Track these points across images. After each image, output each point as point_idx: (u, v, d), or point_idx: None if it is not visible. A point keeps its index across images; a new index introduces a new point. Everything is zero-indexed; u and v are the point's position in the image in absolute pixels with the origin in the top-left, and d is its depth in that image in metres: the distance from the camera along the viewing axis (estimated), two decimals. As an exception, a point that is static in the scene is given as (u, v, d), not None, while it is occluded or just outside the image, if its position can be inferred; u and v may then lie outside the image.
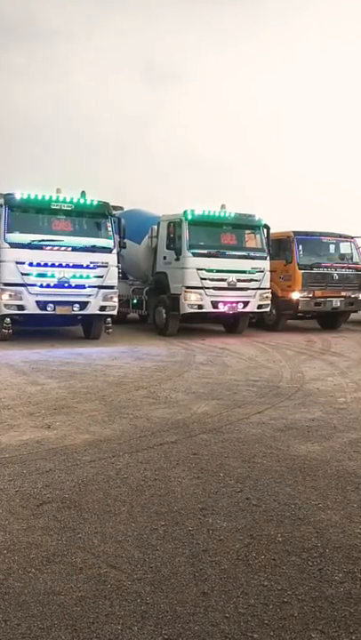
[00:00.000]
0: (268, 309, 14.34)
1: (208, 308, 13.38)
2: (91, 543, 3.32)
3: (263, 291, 13.98)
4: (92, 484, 4.21)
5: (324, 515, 3.75)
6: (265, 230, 14.33)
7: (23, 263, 11.27)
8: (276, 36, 35.46)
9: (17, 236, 11.32)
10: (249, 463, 4.74)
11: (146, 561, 3.12)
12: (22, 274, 11.28)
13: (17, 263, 11.23)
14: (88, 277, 11.87)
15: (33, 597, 2.76)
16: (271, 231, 14.47)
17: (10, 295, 11.21)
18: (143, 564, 3.10)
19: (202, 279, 13.23)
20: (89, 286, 11.86)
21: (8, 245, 11.22)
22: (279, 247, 15.14)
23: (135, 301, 15.49)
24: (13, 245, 11.24)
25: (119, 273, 12.70)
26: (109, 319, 12.46)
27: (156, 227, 14.50)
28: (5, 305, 11.22)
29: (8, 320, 11.49)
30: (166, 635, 2.50)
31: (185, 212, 13.37)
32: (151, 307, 14.62)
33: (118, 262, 12.43)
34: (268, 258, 14.21)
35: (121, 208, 16.00)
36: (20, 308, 11.35)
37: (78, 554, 3.19)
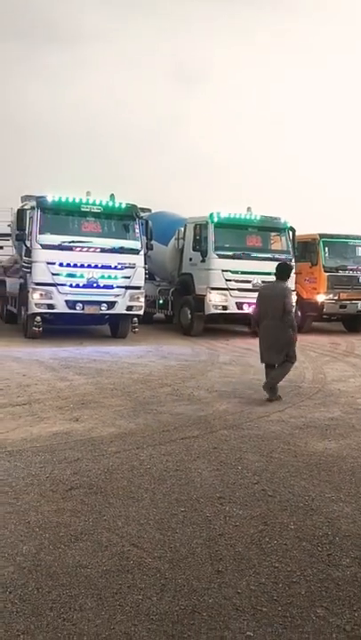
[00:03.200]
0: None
1: (233, 310, 13.58)
2: (115, 525, 3.57)
3: (288, 293, 14.07)
4: (117, 473, 4.48)
5: (336, 506, 3.94)
6: (290, 233, 14.45)
7: (54, 263, 11.65)
8: (305, 40, 35.32)
9: (48, 238, 11.71)
10: (267, 458, 4.94)
11: (166, 542, 3.37)
12: (53, 274, 11.66)
13: (48, 263, 11.62)
14: (116, 278, 12.19)
15: (62, 570, 3.03)
16: (297, 233, 14.58)
17: (40, 294, 11.60)
18: (163, 544, 3.34)
19: (227, 280, 13.44)
20: (117, 287, 12.18)
21: (40, 246, 11.62)
22: (305, 249, 15.24)
23: (161, 302, 15.77)
24: (45, 246, 11.63)
25: (146, 274, 12.99)
26: (136, 319, 12.76)
27: (182, 229, 14.76)
28: (36, 304, 11.62)
29: (38, 319, 11.88)
30: (183, 605, 2.74)
31: (211, 215, 13.60)
32: (177, 307, 14.88)
33: (145, 263, 12.72)
34: (293, 260, 14.31)
35: (149, 210, 16.32)
36: (50, 307, 11.73)
37: (104, 534, 3.45)
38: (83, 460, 4.75)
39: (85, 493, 4.06)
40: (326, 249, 15.24)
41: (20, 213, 12.12)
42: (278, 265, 7.79)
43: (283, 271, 7.54)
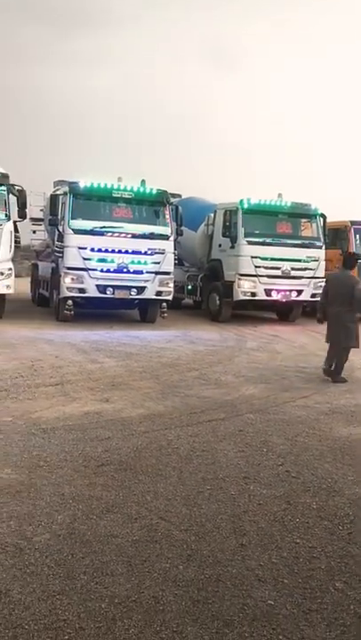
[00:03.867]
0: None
1: (261, 296, 13.61)
2: (144, 499, 3.75)
3: (318, 280, 14.03)
4: (146, 452, 4.66)
5: (358, 489, 4.05)
6: (321, 219, 14.35)
7: (85, 248, 11.87)
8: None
9: (80, 223, 11.92)
10: (291, 441, 5.06)
11: (192, 516, 3.53)
12: (84, 259, 11.90)
13: (79, 248, 11.85)
14: (146, 263, 12.35)
15: (95, 538, 3.22)
16: (328, 220, 14.47)
17: (72, 279, 11.85)
18: (190, 518, 3.51)
19: (256, 267, 13.46)
20: (146, 272, 12.35)
21: (72, 231, 11.85)
22: (335, 236, 15.12)
23: (190, 287, 15.89)
24: (76, 231, 11.86)
25: (175, 259, 13.11)
26: (165, 304, 12.93)
27: (212, 215, 14.80)
28: (68, 288, 11.88)
29: (70, 302, 12.16)
30: (208, 574, 2.90)
31: (241, 201, 13.60)
32: (205, 293, 14.98)
33: (175, 249, 12.83)
34: (323, 247, 14.24)
35: (179, 196, 16.39)
36: (82, 291, 11.99)
37: (133, 507, 3.63)
38: (113, 439, 4.94)
39: (116, 470, 4.25)
40: (357, 236, 15.08)
41: (53, 199, 12.36)
42: (344, 255, 8.66)
43: (349, 260, 8.08)
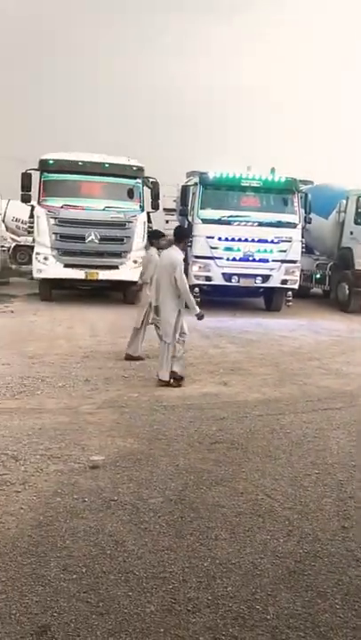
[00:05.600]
0: None
1: (393, 286, 12.97)
2: (252, 477, 3.96)
3: None
4: (258, 434, 4.84)
5: None
6: None
7: (213, 237, 12.18)
8: None
9: (208, 213, 12.25)
10: None
11: (297, 496, 3.67)
12: (211, 247, 12.21)
13: (207, 237, 12.18)
14: (271, 252, 12.36)
15: (203, 506, 3.50)
16: None
17: (199, 267, 12.25)
18: (294, 498, 3.64)
19: (391, 255, 12.84)
20: (272, 260, 12.36)
21: (200, 221, 12.22)
22: None
23: (318, 276, 15.53)
24: (205, 221, 12.20)
25: (303, 247, 12.96)
26: (290, 292, 12.85)
27: (344, 201, 14.33)
28: (195, 276, 12.29)
29: (197, 290, 12.55)
30: (306, 549, 3.04)
31: (376, 186, 13.03)
32: (334, 282, 14.58)
33: (302, 237, 12.68)
34: None
35: (311, 182, 16.06)
36: (208, 279, 12.34)
37: (241, 482, 3.85)
38: (227, 420, 5.19)
39: (228, 448, 4.49)
40: None
41: (184, 190, 12.82)
42: None
43: None
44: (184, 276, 6.39)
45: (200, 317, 6.55)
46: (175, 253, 6.49)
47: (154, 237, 8.05)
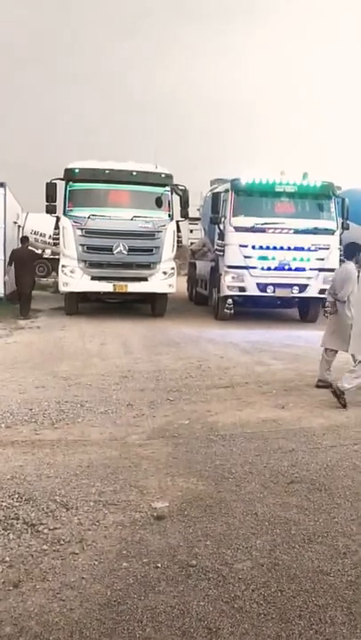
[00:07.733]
0: None
1: None
2: (349, 529, 3.30)
3: None
4: (338, 470, 4.19)
5: None
6: None
7: (246, 246, 11.57)
8: None
9: (241, 220, 11.65)
10: None
11: None
12: (245, 257, 11.60)
13: (240, 246, 11.58)
14: (308, 260, 11.72)
15: (302, 573, 2.84)
16: None
17: (233, 277, 11.63)
18: None
19: None
20: (309, 269, 11.71)
21: (233, 229, 11.62)
22: None
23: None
24: (238, 229, 11.60)
25: (341, 255, 12.28)
26: (328, 302, 12.15)
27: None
28: (228, 286, 11.69)
29: (230, 301, 11.95)
30: None
31: None
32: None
33: (341, 244, 12.01)
34: None
35: (339, 187, 15.41)
36: (242, 289, 11.71)
37: (339, 538, 3.19)
38: (298, 452, 4.54)
39: (308, 489, 3.84)
40: None
41: (215, 197, 12.24)
42: None
43: None
44: None
45: None
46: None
47: (358, 250, 7.07)
